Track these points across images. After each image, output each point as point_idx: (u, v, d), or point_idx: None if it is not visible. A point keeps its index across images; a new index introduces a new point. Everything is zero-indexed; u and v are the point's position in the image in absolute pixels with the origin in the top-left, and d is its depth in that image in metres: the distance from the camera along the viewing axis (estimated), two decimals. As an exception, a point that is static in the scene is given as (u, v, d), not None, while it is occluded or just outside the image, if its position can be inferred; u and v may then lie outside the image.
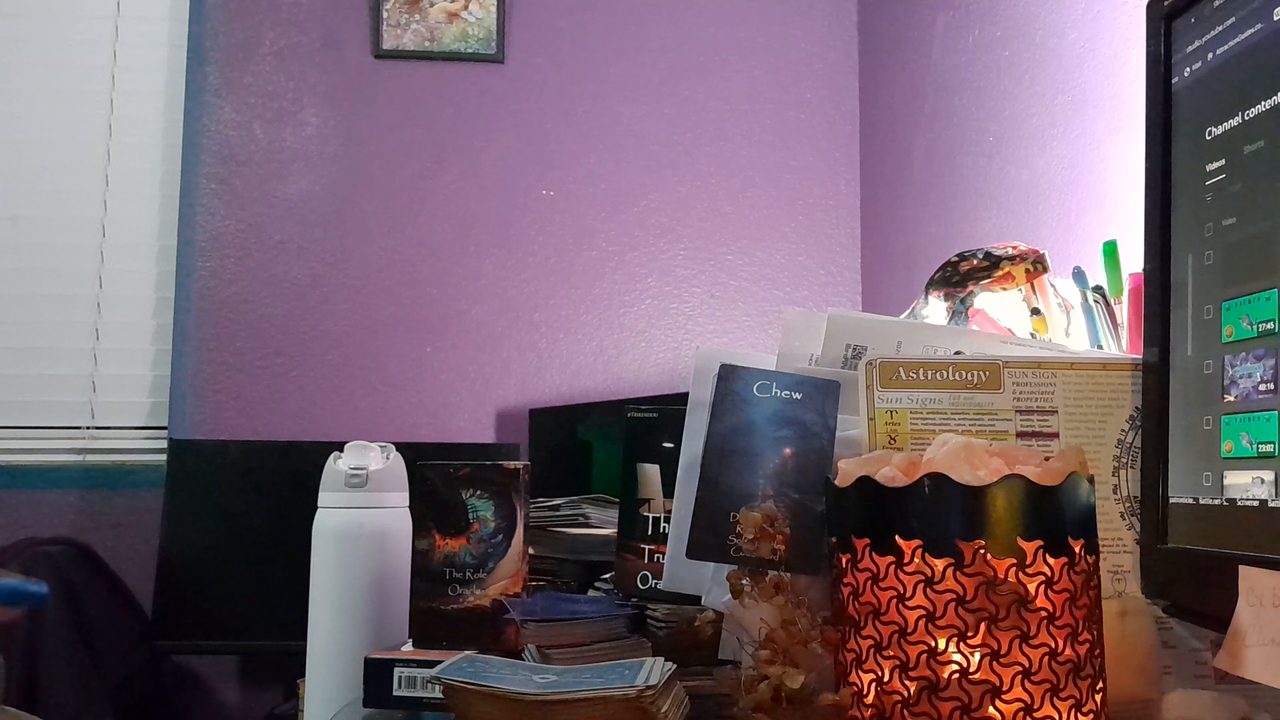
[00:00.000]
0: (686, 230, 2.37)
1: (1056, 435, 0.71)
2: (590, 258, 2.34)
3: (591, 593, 1.06)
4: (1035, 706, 0.54)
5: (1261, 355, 0.59)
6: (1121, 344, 0.96)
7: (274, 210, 2.28)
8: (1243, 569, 0.55)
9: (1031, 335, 0.98)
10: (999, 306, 1.00)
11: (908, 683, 0.56)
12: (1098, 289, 0.99)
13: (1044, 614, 0.55)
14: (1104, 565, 0.68)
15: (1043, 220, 1.53)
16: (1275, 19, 0.60)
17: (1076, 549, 0.57)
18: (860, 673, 0.58)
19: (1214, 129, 0.64)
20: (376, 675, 0.81)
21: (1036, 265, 1.00)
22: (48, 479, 2.15)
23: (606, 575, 1.05)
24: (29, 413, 2.21)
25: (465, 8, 2.33)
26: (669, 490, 0.93)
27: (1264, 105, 0.60)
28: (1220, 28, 0.64)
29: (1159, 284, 0.68)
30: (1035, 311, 0.99)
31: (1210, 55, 0.65)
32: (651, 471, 0.95)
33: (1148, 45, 0.71)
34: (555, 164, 2.35)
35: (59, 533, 2.05)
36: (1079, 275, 1.02)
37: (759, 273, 2.37)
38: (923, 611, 0.55)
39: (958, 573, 0.55)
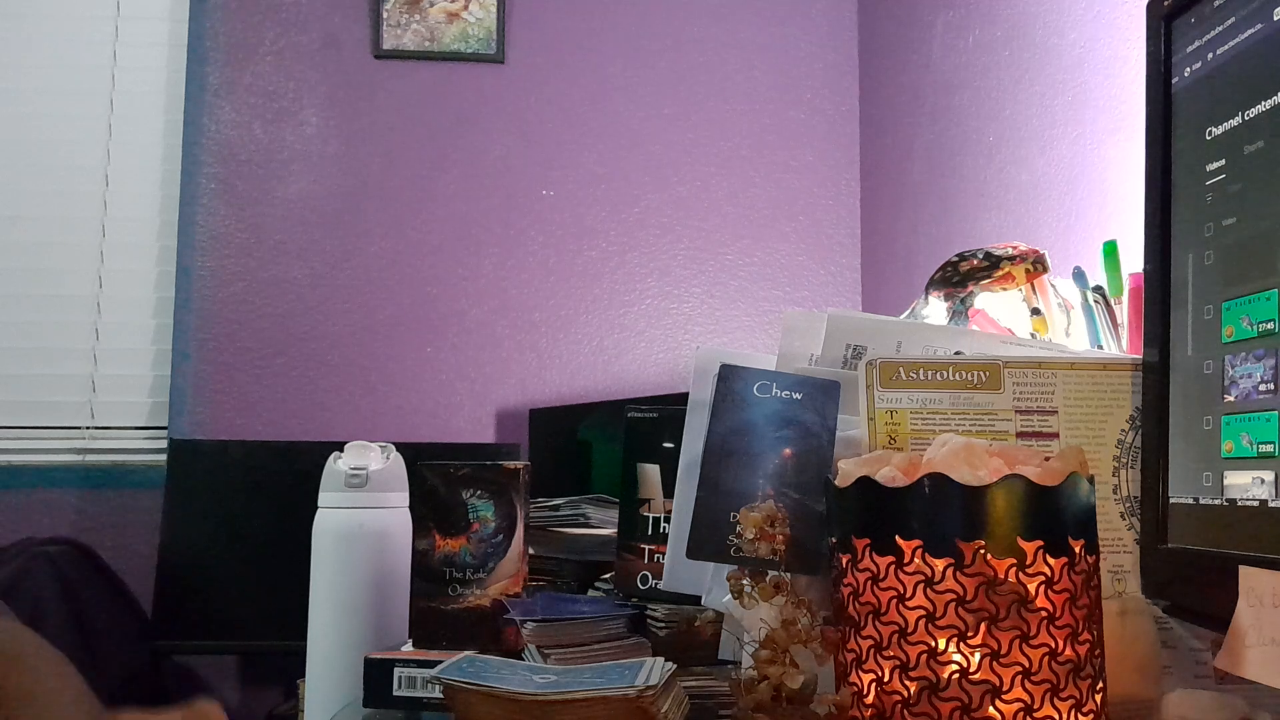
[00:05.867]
0: (686, 230, 2.36)
1: (1056, 435, 0.71)
2: (590, 258, 2.34)
3: (591, 593, 1.06)
4: (1035, 706, 0.54)
5: (1261, 355, 0.59)
6: (1121, 344, 0.96)
7: (274, 210, 2.28)
8: (1243, 569, 0.55)
9: (1031, 335, 0.98)
10: (999, 306, 1.00)
11: (908, 683, 0.56)
12: (1098, 289, 0.99)
13: (1044, 614, 0.55)
14: (1104, 565, 0.68)
15: (1043, 220, 1.53)
16: (1275, 19, 0.60)
17: (1076, 549, 0.57)
18: (860, 673, 0.58)
19: (1214, 129, 0.64)
20: (376, 675, 0.81)
21: (1036, 265, 1.00)
22: (48, 479, 2.15)
23: (606, 575, 1.05)
24: (29, 413, 2.20)
25: (465, 8, 2.33)
26: (669, 490, 0.93)
27: (1264, 105, 0.60)
28: (1220, 28, 0.64)
29: (1159, 284, 0.68)
30: (1035, 311, 0.99)
31: (1210, 55, 0.65)
32: (651, 471, 0.95)
33: (1148, 45, 0.71)
34: (555, 164, 2.35)
35: (59, 533, 2.04)
36: (1079, 275, 1.02)
37: (759, 273, 2.37)
38: (923, 612, 0.55)
39: (958, 573, 0.55)
